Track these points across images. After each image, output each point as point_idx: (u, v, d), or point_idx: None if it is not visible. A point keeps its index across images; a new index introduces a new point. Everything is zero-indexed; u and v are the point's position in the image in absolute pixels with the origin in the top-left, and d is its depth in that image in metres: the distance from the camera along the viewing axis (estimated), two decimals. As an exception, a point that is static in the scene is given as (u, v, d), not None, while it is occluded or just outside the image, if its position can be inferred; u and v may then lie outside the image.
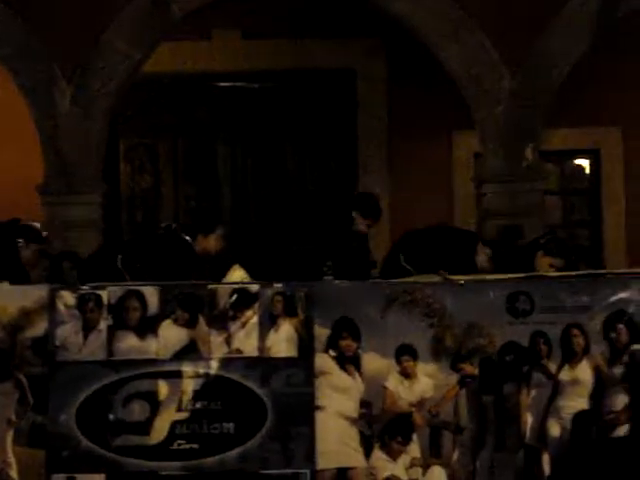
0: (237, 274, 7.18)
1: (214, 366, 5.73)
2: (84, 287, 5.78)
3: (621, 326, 5.81)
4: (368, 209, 8.15)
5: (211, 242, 7.44)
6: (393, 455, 5.78)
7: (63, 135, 8.89)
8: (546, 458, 5.76)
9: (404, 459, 5.77)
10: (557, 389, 5.79)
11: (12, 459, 5.69)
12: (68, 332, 5.70)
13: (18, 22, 8.78)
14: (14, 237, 7.38)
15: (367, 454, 5.77)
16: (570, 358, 5.80)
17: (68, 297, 5.73)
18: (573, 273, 6.22)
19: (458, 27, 8.89)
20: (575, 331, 5.80)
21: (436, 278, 6.02)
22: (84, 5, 8.71)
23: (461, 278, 5.95)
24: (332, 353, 5.78)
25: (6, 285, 5.94)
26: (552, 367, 5.78)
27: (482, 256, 7.07)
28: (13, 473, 5.70)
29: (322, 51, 10.72)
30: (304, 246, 7.90)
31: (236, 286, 5.87)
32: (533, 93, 8.92)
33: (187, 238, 7.26)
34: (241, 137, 11.38)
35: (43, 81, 8.77)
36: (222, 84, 11.17)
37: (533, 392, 5.79)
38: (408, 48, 9.81)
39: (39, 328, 5.68)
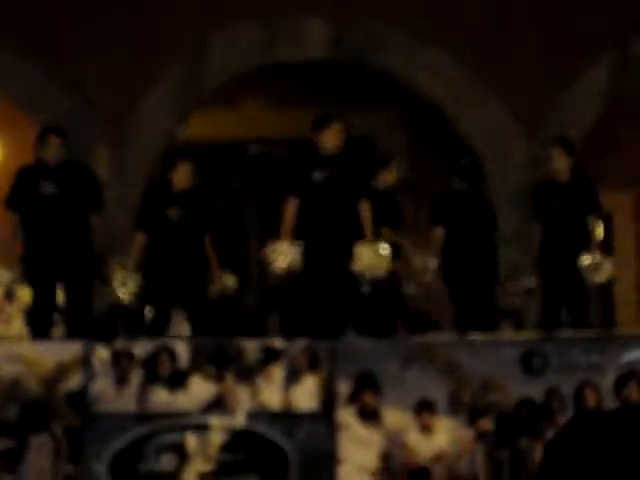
0: None
1: (240, 419, 5.95)
2: (117, 342, 6.04)
3: (632, 384, 6.01)
4: None
5: None
6: (412, 507, 5.94)
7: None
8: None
9: (423, 511, 5.94)
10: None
11: (47, 508, 5.92)
12: (102, 385, 5.95)
13: (61, 91, 9.11)
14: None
15: (386, 506, 5.96)
16: (582, 415, 5.96)
17: (102, 352, 5.98)
18: (587, 335, 6.42)
19: (476, 97, 9.18)
20: (588, 389, 6.00)
21: (454, 337, 6.25)
22: (122, 77, 9.04)
23: (477, 337, 6.17)
24: (353, 407, 5.98)
25: (42, 342, 6.21)
26: (565, 423, 5.95)
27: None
28: (48, 521, 5.90)
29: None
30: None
31: (262, 342, 6.11)
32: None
33: None
34: (270, 201, 11.65)
35: (82, 147, 9.06)
36: (251, 151, 11.47)
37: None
38: (429, 118, 10.09)
39: (74, 381, 5.93)
